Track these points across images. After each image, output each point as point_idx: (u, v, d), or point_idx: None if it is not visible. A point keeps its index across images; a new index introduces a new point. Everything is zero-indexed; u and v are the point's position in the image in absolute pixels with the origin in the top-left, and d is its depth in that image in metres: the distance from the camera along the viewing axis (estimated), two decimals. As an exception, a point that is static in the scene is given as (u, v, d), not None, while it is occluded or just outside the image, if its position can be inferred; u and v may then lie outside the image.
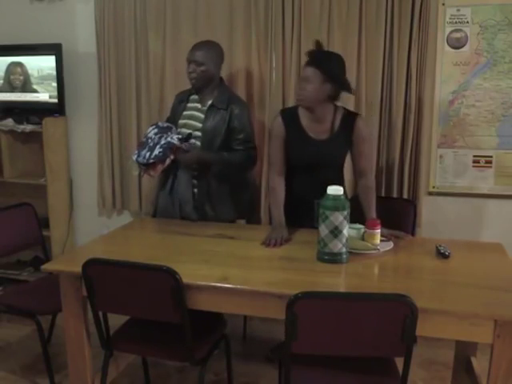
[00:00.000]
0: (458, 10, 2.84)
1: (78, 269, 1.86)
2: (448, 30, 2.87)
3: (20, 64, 3.47)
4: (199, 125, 2.62)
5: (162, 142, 2.50)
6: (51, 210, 3.47)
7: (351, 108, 2.97)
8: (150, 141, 2.55)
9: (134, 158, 2.54)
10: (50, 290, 2.47)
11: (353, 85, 2.92)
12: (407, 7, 2.80)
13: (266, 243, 2.21)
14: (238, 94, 3.11)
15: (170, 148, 2.48)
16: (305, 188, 2.45)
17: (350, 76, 2.94)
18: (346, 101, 2.97)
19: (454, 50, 2.88)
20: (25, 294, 2.59)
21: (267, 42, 3.03)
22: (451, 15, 2.85)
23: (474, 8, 2.82)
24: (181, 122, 2.68)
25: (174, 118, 2.74)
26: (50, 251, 3.38)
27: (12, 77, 3.50)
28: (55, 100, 3.42)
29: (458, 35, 2.87)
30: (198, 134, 2.61)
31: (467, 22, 2.84)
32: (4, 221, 2.65)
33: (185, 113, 2.69)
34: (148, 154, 2.49)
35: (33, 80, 3.46)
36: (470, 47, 2.85)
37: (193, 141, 2.59)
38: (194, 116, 2.65)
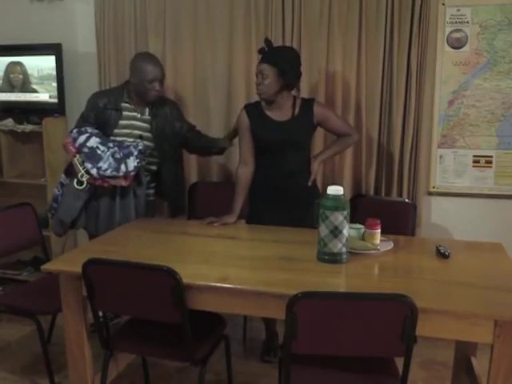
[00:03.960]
0: (458, 10, 2.84)
1: (78, 269, 1.86)
2: (448, 29, 2.87)
3: (19, 63, 3.46)
4: (146, 134, 2.68)
5: (135, 152, 2.54)
6: (51, 210, 3.47)
7: (351, 108, 2.98)
8: (100, 152, 2.53)
9: (94, 171, 2.50)
10: (49, 290, 2.46)
11: (353, 85, 2.95)
12: (407, 7, 2.80)
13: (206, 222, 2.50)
14: (238, 95, 3.11)
15: (142, 155, 2.59)
16: (272, 173, 2.53)
17: (350, 76, 2.95)
18: (347, 100, 2.97)
19: (453, 50, 2.88)
20: (25, 294, 2.60)
21: (267, 42, 3.03)
22: (451, 15, 2.85)
23: (473, 8, 2.82)
24: (120, 131, 2.66)
25: (102, 124, 2.66)
26: (50, 251, 3.37)
27: (11, 75, 3.49)
28: (55, 100, 3.43)
29: (458, 35, 2.86)
30: (148, 143, 2.68)
31: (467, 22, 2.84)
32: (4, 221, 2.64)
33: (122, 122, 2.67)
34: (123, 166, 2.51)
35: (33, 80, 3.46)
36: (470, 47, 2.85)
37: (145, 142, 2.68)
38: (138, 126, 2.68)
